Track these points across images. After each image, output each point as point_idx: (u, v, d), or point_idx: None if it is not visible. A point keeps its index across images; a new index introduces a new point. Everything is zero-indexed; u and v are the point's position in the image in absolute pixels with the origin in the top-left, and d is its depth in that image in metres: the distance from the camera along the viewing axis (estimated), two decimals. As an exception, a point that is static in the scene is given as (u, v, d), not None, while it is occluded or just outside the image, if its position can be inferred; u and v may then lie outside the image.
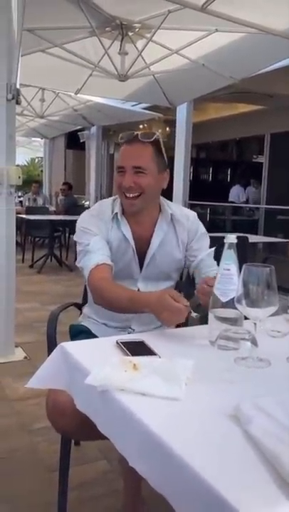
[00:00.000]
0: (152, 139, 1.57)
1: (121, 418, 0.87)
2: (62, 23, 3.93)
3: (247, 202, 9.66)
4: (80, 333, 1.70)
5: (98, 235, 1.60)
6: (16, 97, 2.99)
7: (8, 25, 2.98)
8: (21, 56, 3.06)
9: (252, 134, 9.62)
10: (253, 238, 4.50)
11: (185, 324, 1.53)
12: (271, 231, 7.40)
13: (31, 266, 6.88)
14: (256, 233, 7.65)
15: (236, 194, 9.86)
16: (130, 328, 1.66)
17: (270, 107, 7.97)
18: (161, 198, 1.70)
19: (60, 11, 3.66)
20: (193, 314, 1.26)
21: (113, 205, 1.67)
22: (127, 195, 1.57)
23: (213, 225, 9.24)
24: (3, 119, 3.02)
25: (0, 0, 2.93)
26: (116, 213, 1.63)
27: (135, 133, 1.58)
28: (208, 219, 9.50)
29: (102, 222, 1.63)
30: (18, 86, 3.01)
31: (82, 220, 1.65)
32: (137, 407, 0.85)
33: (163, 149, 1.62)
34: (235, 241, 1.21)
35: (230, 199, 9.79)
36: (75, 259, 1.68)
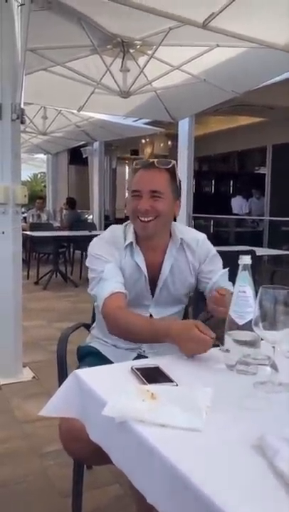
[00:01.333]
0: (169, 166, 1.57)
1: (139, 452, 0.84)
2: (65, 42, 3.98)
3: (249, 213, 9.65)
4: (88, 354, 1.68)
5: (112, 262, 1.57)
6: (20, 117, 3.00)
7: (12, 46, 3.01)
8: (24, 75, 3.09)
9: (254, 145, 9.65)
10: (259, 251, 4.47)
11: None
12: (276, 243, 7.38)
13: (36, 282, 6.87)
14: (261, 245, 7.62)
15: (239, 205, 9.86)
16: (140, 349, 1.63)
17: (271, 118, 8.02)
18: (173, 223, 1.68)
19: (62, 30, 3.70)
20: (223, 348, 1.20)
21: (125, 232, 1.66)
22: (142, 218, 1.56)
23: (217, 237, 9.23)
24: (9, 138, 3.03)
25: (4, 22, 2.96)
26: (130, 242, 1.61)
27: (151, 160, 1.59)
28: (211, 231, 9.50)
29: (116, 249, 1.61)
30: (22, 105, 3.03)
31: (95, 246, 1.63)
32: (157, 440, 0.82)
33: (178, 178, 1.62)
34: (250, 262, 1.20)
35: (233, 211, 9.79)
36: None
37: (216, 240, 8.54)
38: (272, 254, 5.42)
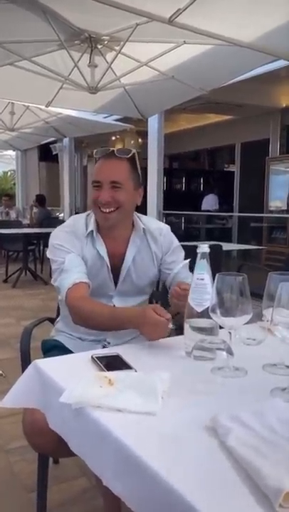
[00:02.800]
0: (129, 156, 1.57)
1: (95, 436, 0.85)
2: (31, 37, 3.91)
3: (220, 210, 9.76)
4: (53, 348, 1.66)
5: (73, 252, 1.57)
6: (-16, 111, 2.95)
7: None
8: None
9: (223, 143, 9.77)
10: (226, 246, 4.54)
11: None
12: (245, 238, 7.50)
13: (5, 280, 6.77)
14: (230, 241, 7.74)
15: (211, 202, 9.93)
16: (106, 341, 1.64)
17: (240, 116, 8.13)
18: (135, 213, 1.69)
19: (28, 24, 3.64)
20: (170, 326, 1.25)
21: (87, 220, 1.65)
22: (103, 209, 1.56)
23: (188, 234, 9.30)
24: (-28, 132, 2.97)
25: None
26: (91, 231, 1.61)
27: (111, 149, 1.58)
28: (182, 228, 9.56)
29: (77, 238, 1.60)
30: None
31: (56, 237, 1.62)
32: (112, 424, 0.83)
33: (138, 166, 1.62)
34: (208, 250, 1.22)
35: (203, 208, 9.86)
36: (50, 272, 1.65)
37: (186, 236, 8.61)
38: (239, 249, 5.52)
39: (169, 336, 1.32)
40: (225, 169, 11.41)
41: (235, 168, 9.27)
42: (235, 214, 8.76)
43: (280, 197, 7.62)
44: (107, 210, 1.56)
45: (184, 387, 0.99)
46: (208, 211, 9.68)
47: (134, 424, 0.84)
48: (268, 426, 0.79)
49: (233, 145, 9.16)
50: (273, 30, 3.27)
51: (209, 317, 1.10)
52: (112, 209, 1.56)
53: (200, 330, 1.16)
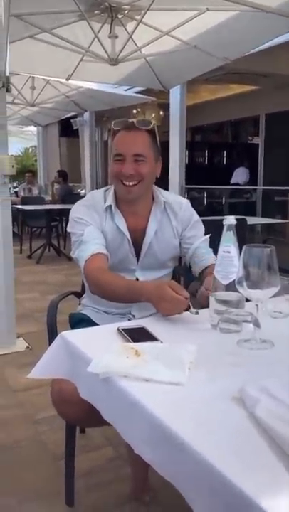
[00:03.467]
0: (150, 127, 1.55)
1: (124, 405, 0.86)
2: (50, 8, 3.85)
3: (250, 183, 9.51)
4: (80, 321, 1.69)
5: (92, 225, 1.58)
6: (5, 85, 2.94)
7: (-5, 11, 2.91)
8: (9, 43, 3.00)
9: (246, 115, 9.52)
10: (251, 220, 4.47)
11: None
12: (269, 212, 7.38)
13: (29, 256, 6.86)
14: (254, 215, 7.62)
15: (241, 176, 9.68)
16: (131, 314, 1.65)
17: (264, 87, 7.89)
18: (154, 186, 1.68)
19: (47, -6, 3.58)
20: (193, 310, 1.24)
21: (105, 195, 1.65)
22: (126, 183, 1.55)
23: (211, 208, 9.20)
24: (-6, 107, 2.97)
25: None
26: (110, 205, 1.61)
27: (130, 120, 1.56)
28: (205, 203, 9.45)
29: (96, 212, 1.61)
30: (7, 74, 2.95)
31: (76, 211, 1.63)
32: (140, 394, 0.84)
33: (157, 138, 1.60)
34: (235, 222, 1.20)
35: (233, 181, 9.64)
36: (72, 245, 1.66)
37: (209, 211, 8.53)
38: (263, 223, 5.43)
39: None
40: (249, 141, 11.15)
41: (259, 141, 9.05)
42: (260, 187, 8.59)
43: (306, 169, 7.43)
44: (130, 184, 1.55)
45: (210, 359, 0.99)
46: (237, 184, 9.47)
47: (162, 394, 0.85)
48: (296, 397, 0.78)
49: (257, 116, 8.92)
50: (301, -7, 3.13)
51: (235, 290, 1.08)
52: (135, 182, 1.55)
53: (226, 303, 1.15)
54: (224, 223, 1.19)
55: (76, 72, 4.95)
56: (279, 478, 0.62)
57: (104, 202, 1.62)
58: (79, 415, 1.29)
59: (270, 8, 3.32)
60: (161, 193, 1.68)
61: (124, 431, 0.88)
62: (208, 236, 1.66)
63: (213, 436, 0.72)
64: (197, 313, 1.23)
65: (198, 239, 1.67)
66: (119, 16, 4.02)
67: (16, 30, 3.91)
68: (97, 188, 9.94)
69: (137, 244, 1.63)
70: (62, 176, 9.07)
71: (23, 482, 1.81)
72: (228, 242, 1.19)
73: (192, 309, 1.24)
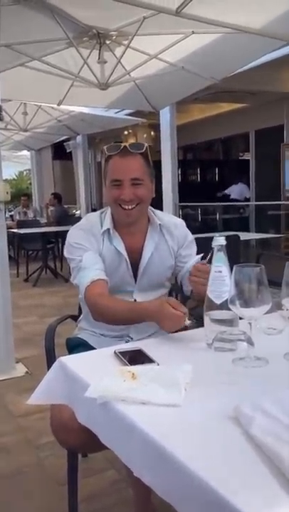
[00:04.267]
0: (142, 150, 1.58)
1: (122, 428, 0.87)
2: (39, 36, 3.94)
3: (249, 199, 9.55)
4: (77, 346, 1.69)
5: (91, 250, 1.59)
6: (-2, 114, 3.00)
7: (-15, 42, 2.98)
8: (0, 72, 3.07)
9: (236, 132, 9.67)
10: (244, 236, 4.51)
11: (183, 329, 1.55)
12: (263, 227, 7.43)
13: (26, 280, 6.87)
14: (248, 230, 7.68)
15: (240, 191, 9.71)
16: (128, 336, 1.66)
17: (252, 104, 8.03)
18: (149, 208, 1.70)
19: (36, 24, 3.66)
20: (187, 322, 1.27)
21: (101, 219, 1.67)
22: (125, 206, 1.57)
23: (205, 224, 9.25)
24: (-13, 136, 3.02)
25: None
26: (107, 229, 1.63)
27: (123, 144, 1.59)
28: (199, 219, 9.52)
29: (93, 236, 1.62)
30: (0, 103, 3.02)
31: (73, 235, 1.64)
32: (137, 417, 0.85)
33: (150, 159, 1.63)
34: (224, 243, 1.22)
35: (231, 197, 9.69)
36: (70, 270, 1.68)
37: (203, 227, 8.53)
38: (257, 238, 5.48)
39: (187, 329, 1.34)
40: (240, 157, 11.29)
41: (250, 156, 9.17)
42: (252, 203, 8.67)
43: (297, 183, 7.51)
44: (130, 207, 1.57)
45: (206, 378, 1.00)
46: (236, 200, 9.51)
47: (159, 416, 0.86)
48: (290, 413, 0.80)
49: (247, 133, 9.07)
50: (282, 15, 3.23)
51: (229, 309, 1.11)
52: (134, 205, 1.57)
53: (220, 322, 1.17)
54: (213, 244, 1.22)
55: (67, 97, 5.04)
56: (275, 495, 0.64)
57: (101, 225, 1.65)
58: (79, 442, 1.29)
59: (254, 30, 3.42)
60: (155, 215, 1.70)
61: (122, 454, 0.89)
62: (200, 256, 1.68)
63: (209, 455, 0.73)
64: (193, 322, 1.27)
65: (192, 258, 1.69)
66: (107, 42, 4.12)
67: (6, 59, 4.01)
68: (92, 209, 9.97)
69: (134, 265, 1.65)
70: (57, 198, 9.15)
71: (28, 509, 1.80)
72: (219, 262, 1.21)
73: (187, 321, 1.28)
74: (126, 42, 4.03)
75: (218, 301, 1.19)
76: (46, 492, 1.90)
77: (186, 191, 8.13)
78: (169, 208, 6.80)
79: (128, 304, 1.54)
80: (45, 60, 4.24)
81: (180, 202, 7.10)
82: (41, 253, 7.34)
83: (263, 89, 6.96)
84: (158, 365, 1.08)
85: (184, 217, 8.40)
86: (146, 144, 1.61)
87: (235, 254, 3.51)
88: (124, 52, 4.09)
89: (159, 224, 1.68)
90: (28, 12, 3.40)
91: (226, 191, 9.78)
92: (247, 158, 9.60)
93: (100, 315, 1.53)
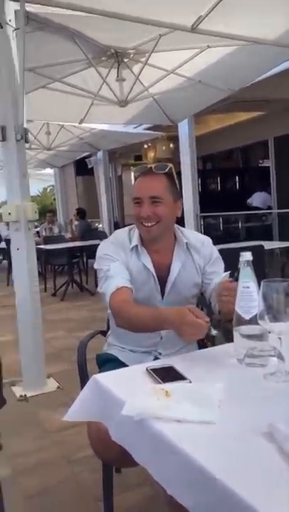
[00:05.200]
0: (166, 171, 1.63)
1: (157, 447, 0.89)
2: (60, 59, 4.07)
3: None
4: (107, 361, 1.73)
5: (118, 261, 1.64)
6: (24, 137, 3.09)
7: (11, 69, 3.10)
8: (25, 94, 3.18)
9: (255, 140, 9.64)
10: (268, 245, 4.48)
11: (205, 341, 1.56)
12: (287, 235, 7.35)
13: (54, 294, 6.97)
14: (271, 238, 7.61)
15: (263, 200, 9.67)
16: (157, 351, 1.69)
17: (270, 111, 8.02)
18: (175, 226, 1.74)
19: (57, 47, 3.79)
20: (213, 332, 1.29)
21: (130, 235, 1.72)
22: (145, 223, 1.62)
23: (227, 234, 9.22)
24: (15, 159, 3.12)
25: (2, 47, 3.05)
26: (136, 245, 1.68)
27: (148, 166, 1.65)
28: (221, 228, 9.48)
29: (122, 250, 1.68)
30: (25, 125, 3.11)
31: (102, 248, 1.70)
32: (172, 435, 0.87)
33: (176, 179, 1.68)
34: (251, 258, 1.24)
35: (253, 205, 9.65)
36: (95, 283, 1.73)
37: (226, 236, 8.45)
38: (281, 247, 5.43)
39: (214, 342, 1.35)
40: (260, 165, 11.23)
41: (270, 164, 9.12)
42: (274, 211, 8.61)
43: None
44: (149, 224, 1.62)
45: (239, 394, 1.02)
46: (259, 209, 9.42)
47: (195, 434, 0.88)
48: None
49: (266, 140, 9.04)
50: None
51: (258, 324, 1.13)
52: (154, 223, 1.62)
53: (250, 337, 1.19)
54: (241, 260, 1.24)
55: (88, 115, 5.16)
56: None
57: (130, 242, 1.70)
58: (117, 456, 1.31)
59: (269, 41, 3.45)
60: (182, 233, 1.74)
61: (156, 472, 0.91)
62: (227, 273, 1.70)
63: (244, 472, 0.75)
64: (220, 333, 1.27)
65: (218, 275, 1.71)
66: (125, 60, 4.22)
67: (29, 82, 4.14)
68: (114, 222, 10.00)
69: (162, 281, 1.69)
70: (81, 213, 9.29)
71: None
72: (246, 277, 1.23)
73: (213, 331, 1.28)
74: (143, 59, 4.12)
75: (247, 317, 1.20)
76: (83, 508, 1.92)
77: (206, 201, 8.14)
78: (190, 219, 6.82)
79: (149, 310, 1.55)
80: (66, 81, 4.36)
81: (201, 212, 7.12)
82: (67, 267, 7.45)
83: (279, 96, 6.95)
84: (190, 382, 1.11)
85: (206, 227, 8.40)
86: (170, 165, 1.65)
87: (260, 264, 3.50)
88: (141, 70, 4.17)
89: (186, 242, 1.71)
90: (50, 37, 3.54)
91: (249, 200, 9.73)
92: (267, 165, 9.54)
93: (121, 319, 1.56)
